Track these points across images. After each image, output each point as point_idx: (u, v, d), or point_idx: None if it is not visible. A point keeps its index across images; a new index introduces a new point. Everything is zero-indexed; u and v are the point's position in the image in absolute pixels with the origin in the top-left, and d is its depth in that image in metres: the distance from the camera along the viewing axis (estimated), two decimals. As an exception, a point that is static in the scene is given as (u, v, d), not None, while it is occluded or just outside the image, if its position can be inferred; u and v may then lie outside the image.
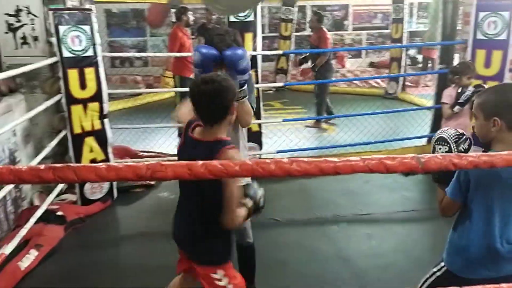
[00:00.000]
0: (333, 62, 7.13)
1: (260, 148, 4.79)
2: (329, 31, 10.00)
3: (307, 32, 9.71)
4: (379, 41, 10.24)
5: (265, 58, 10.14)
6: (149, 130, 6.13)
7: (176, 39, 5.83)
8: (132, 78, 9.57)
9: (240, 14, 4.42)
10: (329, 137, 6.33)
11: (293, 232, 3.67)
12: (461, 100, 3.72)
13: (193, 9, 9.59)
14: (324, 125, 6.92)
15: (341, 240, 3.53)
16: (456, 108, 3.78)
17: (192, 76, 6.01)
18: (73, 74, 3.77)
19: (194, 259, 2.06)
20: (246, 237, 2.63)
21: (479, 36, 4.29)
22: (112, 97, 8.71)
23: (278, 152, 4.80)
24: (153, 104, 8.44)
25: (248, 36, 4.48)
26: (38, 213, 3.48)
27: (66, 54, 3.71)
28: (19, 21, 3.94)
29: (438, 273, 2.01)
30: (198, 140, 1.94)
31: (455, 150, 1.87)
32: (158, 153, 5.33)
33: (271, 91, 9.81)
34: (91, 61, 3.84)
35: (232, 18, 4.45)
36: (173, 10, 8.51)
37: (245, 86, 2.39)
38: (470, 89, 3.70)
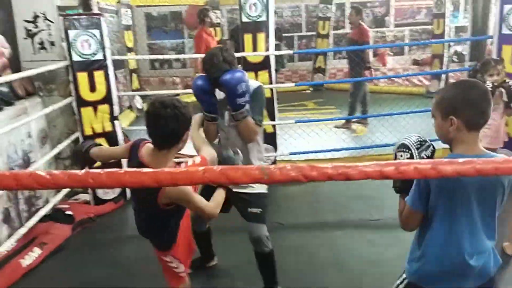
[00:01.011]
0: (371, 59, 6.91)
1: (275, 150, 4.71)
2: (369, 28, 9.82)
3: (346, 29, 9.48)
4: (423, 38, 9.78)
5: (303, 58, 10.06)
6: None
7: (201, 40, 5.89)
8: (171, 80, 9.77)
9: (252, 14, 4.37)
10: (357, 138, 6.13)
11: (295, 237, 3.57)
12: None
13: (231, 10, 9.71)
14: (354, 126, 6.71)
15: (342, 246, 3.40)
16: None
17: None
18: (82, 77, 3.88)
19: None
20: (263, 246, 2.67)
21: (505, 30, 3.96)
22: (151, 99, 9.06)
23: (291, 154, 4.70)
24: (189, 105, 8.58)
25: (261, 36, 4.41)
26: (42, 212, 3.61)
27: (75, 58, 3.83)
28: (36, 27, 4.11)
29: (401, 286, 1.87)
30: (144, 164, 1.94)
31: (417, 157, 1.73)
32: (186, 154, 5.37)
33: (308, 91, 9.68)
34: (101, 65, 3.94)
35: (244, 18, 4.40)
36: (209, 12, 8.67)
37: (246, 107, 2.48)
38: (489, 84, 3.40)
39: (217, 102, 2.57)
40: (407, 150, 1.73)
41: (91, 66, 3.90)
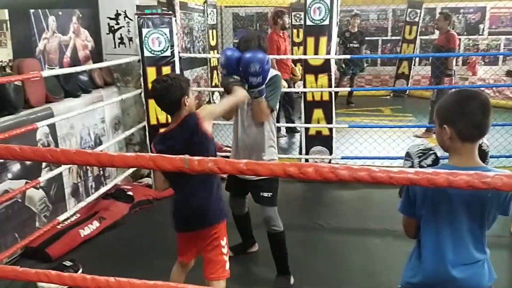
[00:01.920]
0: (455, 68, 6.60)
1: (330, 153, 4.74)
2: (459, 35, 9.31)
3: (435, 35, 9.07)
4: (520, 47, 9.07)
5: (386, 62, 9.81)
6: None
7: (272, 42, 6.04)
8: (252, 78, 10.07)
9: (316, 18, 4.44)
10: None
11: (331, 239, 3.61)
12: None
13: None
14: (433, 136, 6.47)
15: (376, 254, 3.38)
16: None
17: (287, 78, 6.20)
18: (151, 71, 4.24)
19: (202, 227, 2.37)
20: (274, 225, 2.88)
21: None
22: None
23: (343, 158, 4.70)
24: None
25: (323, 40, 4.47)
26: (103, 190, 4.01)
27: (146, 53, 4.19)
28: (117, 23, 4.56)
29: None
30: (171, 128, 2.27)
31: (417, 165, 1.75)
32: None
33: (388, 97, 9.44)
34: (168, 61, 4.27)
35: (308, 22, 4.49)
36: (294, 13, 8.80)
37: (261, 87, 2.61)
38: None
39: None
40: (409, 159, 1.76)
41: (159, 61, 4.24)
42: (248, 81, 2.58)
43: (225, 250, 2.39)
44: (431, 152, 1.72)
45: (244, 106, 2.79)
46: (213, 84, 8.40)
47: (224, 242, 2.39)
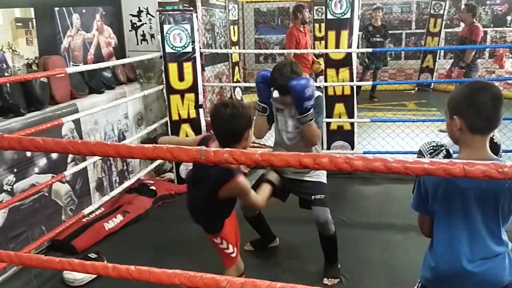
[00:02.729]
0: (479, 61, 6.45)
1: (352, 148, 4.71)
2: (486, 27, 9.10)
3: (460, 28, 8.88)
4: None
5: (411, 56, 9.67)
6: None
7: (292, 37, 6.03)
8: (274, 73, 10.06)
9: (337, 11, 4.41)
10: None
11: (353, 234, 3.57)
12: None
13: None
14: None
15: (398, 249, 3.35)
16: None
17: (308, 73, 6.18)
18: (173, 67, 4.28)
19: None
20: (329, 228, 2.92)
21: None
22: (253, 90, 9.45)
23: (365, 153, 4.66)
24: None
25: (344, 34, 4.44)
26: (127, 184, 4.09)
27: (168, 49, 4.24)
28: (140, 20, 4.63)
29: None
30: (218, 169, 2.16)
31: None
32: (260, 144, 5.63)
33: (412, 91, 9.30)
34: (189, 57, 4.31)
35: (329, 15, 4.46)
36: (316, 8, 8.75)
37: (311, 110, 2.73)
38: None
39: (270, 97, 2.89)
40: (421, 156, 1.74)
41: (181, 57, 4.29)
42: (302, 106, 2.68)
43: (228, 247, 2.44)
44: (443, 148, 1.69)
45: (284, 128, 2.92)
46: (235, 79, 8.43)
47: (225, 243, 2.43)
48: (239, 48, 8.67)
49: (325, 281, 2.95)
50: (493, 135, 1.67)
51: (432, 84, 9.50)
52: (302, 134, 2.83)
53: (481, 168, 0.91)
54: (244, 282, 1.12)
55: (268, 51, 10.06)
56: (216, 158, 1.02)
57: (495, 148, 1.69)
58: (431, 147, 1.69)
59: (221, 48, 8.43)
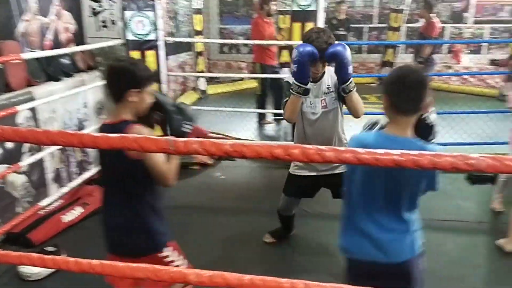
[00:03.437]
0: (436, 56, 6.62)
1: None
2: (444, 23, 9.36)
3: (421, 23, 9.10)
4: (504, 37, 9.13)
5: (372, 50, 9.84)
6: (238, 114, 6.30)
7: (258, 26, 6.00)
8: (237, 64, 10.01)
9: (302, 3, 4.41)
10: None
11: (315, 225, 3.63)
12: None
13: None
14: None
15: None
16: None
17: (273, 64, 6.17)
18: (135, 55, 4.17)
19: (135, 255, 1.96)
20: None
21: None
22: (218, 81, 9.37)
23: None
24: (253, 89, 8.73)
25: (309, 26, 4.43)
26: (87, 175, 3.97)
27: (130, 37, 4.13)
28: (100, 6, 4.47)
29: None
30: (106, 124, 1.95)
31: None
32: (225, 135, 5.60)
33: (374, 84, 9.47)
34: (152, 45, 4.21)
35: (294, 7, 4.46)
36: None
37: (352, 79, 2.53)
38: None
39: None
40: (362, 130, 1.95)
41: (143, 45, 4.18)
42: (346, 73, 2.46)
43: (179, 257, 2.09)
44: (377, 123, 1.88)
45: (309, 110, 2.71)
46: (199, 70, 8.33)
47: (175, 255, 2.07)
48: (203, 38, 8.56)
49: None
50: (425, 116, 1.80)
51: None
52: (348, 105, 2.61)
53: (449, 160, 0.92)
54: (212, 274, 1.10)
55: (233, 41, 9.99)
56: (186, 149, 0.99)
57: (427, 129, 1.83)
58: (369, 123, 1.89)
59: (184, 37, 8.31)
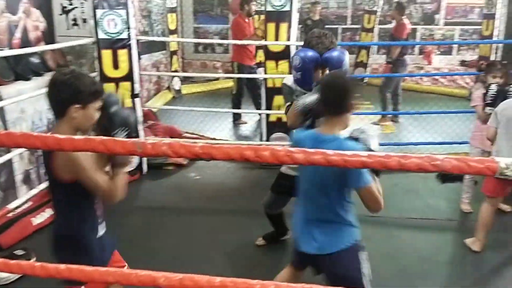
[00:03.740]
0: (408, 57, 6.71)
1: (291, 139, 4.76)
2: (416, 24, 9.53)
3: (393, 24, 9.24)
4: (474, 38, 9.36)
5: (346, 51, 9.93)
6: (213, 113, 6.24)
7: (240, 26, 6.01)
8: (212, 64, 9.97)
9: (276, 4, 4.42)
10: (381, 135, 6.05)
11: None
12: (488, 101, 3.36)
13: None
14: (389, 124, 6.64)
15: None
16: (488, 109, 3.41)
17: (251, 64, 6.16)
18: (107, 54, 4.11)
19: None
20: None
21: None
22: (192, 81, 9.31)
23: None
24: (228, 89, 8.68)
25: (283, 26, 4.46)
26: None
27: (101, 35, 4.06)
28: (71, 4, 4.39)
29: None
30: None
31: None
32: (199, 135, 5.58)
33: (347, 85, 9.58)
34: (125, 44, 4.15)
35: (268, 7, 4.47)
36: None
37: None
38: (493, 87, 3.34)
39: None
40: None
41: (115, 44, 4.11)
42: None
43: None
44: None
45: None
46: (173, 69, 8.26)
47: None
48: (178, 37, 8.49)
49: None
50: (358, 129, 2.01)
51: (366, 78, 9.83)
52: None
53: (416, 161, 0.94)
54: (182, 277, 1.09)
55: (208, 41, 9.95)
56: (154, 151, 0.98)
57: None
58: (304, 108, 2.31)
59: (158, 36, 8.22)
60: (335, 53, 2.40)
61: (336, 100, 1.92)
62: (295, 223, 2.11)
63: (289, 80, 2.63)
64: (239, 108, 6.22)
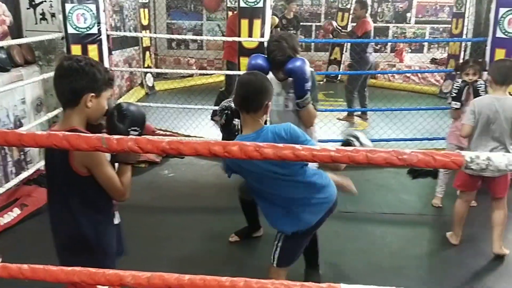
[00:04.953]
0: (370, 55, 6.74)
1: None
2: (388, 22, 9.69)
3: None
4: (444, 37, 9.57)
5: (320, 48, 10.01)
6: (187, 110, 6.15)
7: (234, 25, 5.95)
8: (186, 60, 9.89)
9: (249, 0, 4.40)
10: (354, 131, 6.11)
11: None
12: (453, 94, 3.43)
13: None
14: (357, 120, 6.71)
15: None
16: (453, 103, 3.48)
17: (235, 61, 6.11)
18: (76, 49, 4.02)
19: None
20: None
21: (499, 34, 3.88)
22: (166, 77, 9.21)
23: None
24: (202, 86, 8.62)
25: (257, 23, 4.44)
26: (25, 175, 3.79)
27: (70, 30, 3.96)
28: (39, -2, 4.27)
29: (280, 244, 2.26)
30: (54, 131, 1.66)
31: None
32: (173, 132, 5.52)
33: (321, 82, 9.65)
34: (95, 39, 4.06)
35: (242, 4, 4.44)
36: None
37: (309, 93, 2.61)
38: (459, 82, 3.41)
39: None
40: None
41: (85, 39, 4.03)
42: (302, 90, 2.56)
43: None
44: (230, 110, 2.41)
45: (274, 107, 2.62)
46: (146, 65, 8.15)
47: None
48: (150, 33, 8.38)
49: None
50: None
51: (339, 75, 9.92)
52: (299, 116, 2.68)
53: (383, 155, 0.94)
54: (150, 276, 1.07)
55: (181, 37, 9.85)
56: (119, 147, 0.96)
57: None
58: (222, 107, 2.45)
59: (130, 32, 8.10)
60: (298, 63, 2.50)
61: (249, 100, 2.06)
62: (273, 216, 2.25)
63: None
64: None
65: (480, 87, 3.26)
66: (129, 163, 1.77)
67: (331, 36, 7.09)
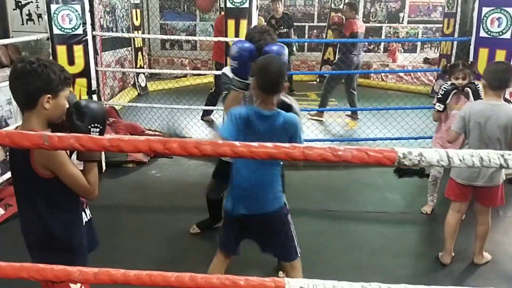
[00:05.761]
0: (355, 56, 6.72)
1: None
2: (381, 22, 9.71)
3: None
4: (436, 36, 9.58)
5: (313, 48, 10.03)
6: (177, 111, 6.14)
7: (222, 26, 5.97)
8: (180, 61, 9.90)
9: (236, 0, 4.42)
10: (342, 130, 6.12)
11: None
12: (439, 95, 3.41)
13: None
14: (347, 119, 6.72)
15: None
16: (437, 105, 3.45)
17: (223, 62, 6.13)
18: (61, 50, 4.04)
19: None
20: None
21: (482, 33, 3.90)
22: (159, 78, 9.22)
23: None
24: (196, 86, 8.61)
25: (243, 23, 4.46)
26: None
27: (56, 31, 3.98)
28: (25, -2, 4.29)
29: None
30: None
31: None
32: (162, 132, 5.54)
33: (314, 82, 9.66)
34: (80, 39, 4.08)
35: (228, 4, 4.46)
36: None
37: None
38: (447, 83, 3.39)
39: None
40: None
41: (70, 40, 4.05)
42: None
43: None
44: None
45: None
46: (138, 65, 8.16)
47: None
48: (143, 33, 8.39)
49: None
50: (282, 100, 2.24)
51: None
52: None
53: (319, 151, 0.96)
54: (97, 271, 1.09)
55: (174, 37, 9.87)
56: (61, 144, 0.97)
57: (287, 107, 2.25)
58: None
59: (123, 32, 8.11)
60: (275, 47, 2.47)
61: (274, 82, 2.12)
62: (234, 193, 2.29)
63: (227, 69, 2.75)
64: (215, 105, 6.15)
65: (480, 87, 3.16)
66: (94, 161, 1.77)
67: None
